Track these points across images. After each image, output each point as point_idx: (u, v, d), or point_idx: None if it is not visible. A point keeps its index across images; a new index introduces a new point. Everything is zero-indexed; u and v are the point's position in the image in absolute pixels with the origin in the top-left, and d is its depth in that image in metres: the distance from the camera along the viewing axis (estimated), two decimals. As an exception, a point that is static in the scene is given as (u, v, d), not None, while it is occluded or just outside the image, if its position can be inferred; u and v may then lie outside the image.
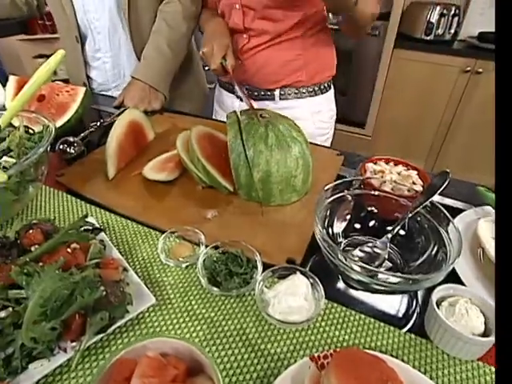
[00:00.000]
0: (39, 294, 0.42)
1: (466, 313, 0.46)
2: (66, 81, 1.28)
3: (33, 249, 0.51)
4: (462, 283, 0.55)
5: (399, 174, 0.72)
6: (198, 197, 0.75)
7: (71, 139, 0.89)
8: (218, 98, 1.33)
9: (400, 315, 0.54)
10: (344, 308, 0.53)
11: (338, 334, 0.50)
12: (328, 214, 0.61)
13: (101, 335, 0.46)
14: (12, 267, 0.46)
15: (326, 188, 0.59)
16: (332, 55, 1.16)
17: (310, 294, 0.51)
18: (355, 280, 0.49)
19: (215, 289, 0.53)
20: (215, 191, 0.76)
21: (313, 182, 0.76)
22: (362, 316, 0.52)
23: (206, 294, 0.54)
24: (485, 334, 0.45)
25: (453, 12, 2.28)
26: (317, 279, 0.52)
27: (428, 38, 2.34)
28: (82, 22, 1.23)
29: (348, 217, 0.64)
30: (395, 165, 0.75)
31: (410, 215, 0.57)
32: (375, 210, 0.64)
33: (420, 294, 0.57)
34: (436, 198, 0.57)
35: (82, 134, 0.93)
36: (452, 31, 2.36)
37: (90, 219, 0.63)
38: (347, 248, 0.61)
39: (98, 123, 1.00)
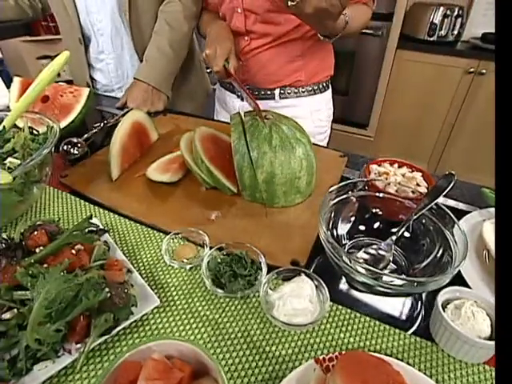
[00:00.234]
0: (44, 296, 0.42)
1: (472, 316, 0.46)
2: (69, 82, 1.28)
3: (37, 250, 0.51)
4: (467, 285, 0.54)
5: (403, 175, 0.72)
6: (202, 198, 0.75)
7: (75, 140, 0.89)
8: (220, 98, 1.34)
9: (405, 318, 0.54)
10: (349, 310, 0.53)
11: (343, 337, 0.49)
12: (332, 215, 0.60)
13: (105, 337, 0.46)
14: (17, 269, 0.46)
15: (330, 189, 0.59)
16: (330, 55, 1.17)
17: (314, 296, 0.51)
18: (360, 282, 0.49)
19: (219, 290, 0.53)
20: (219, 192, 0.76)
21: (317, 183, 0.76)
22: (367, 318, 0.52)
23: (210, 296, 0.54)
24: (491, 338, 0.45)
25: (456, 13, 2.28)
26: (321, 281, 0.52)
27: (431, 38, 2.33)
28: (84, 23, 1.23)
29: (352, 218, 0.64)
30: (399, 166, 0.75)
31: (415, 217, 0.57)
32: (380, 212, 0.64)
33: (424, 296, 0.56)
34: (440, 199, 0.57)
35: (86, 135, 0.93)
36: (455, 32, 2.36)
37: (94, 220, 0.63)
38: (352, 250, 0.61)
39: (102, 124, 1.00)
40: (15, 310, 0.44)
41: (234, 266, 0.55)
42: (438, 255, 0.54)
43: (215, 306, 0.53)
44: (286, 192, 0.71)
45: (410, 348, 0.48)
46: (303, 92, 1.14)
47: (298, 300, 0.49)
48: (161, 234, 0.65)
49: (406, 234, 0.60)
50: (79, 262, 0.51)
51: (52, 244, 0.51)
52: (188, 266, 0.58)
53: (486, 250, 0.60)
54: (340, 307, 0.53)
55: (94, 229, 0.60)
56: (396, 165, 0.75)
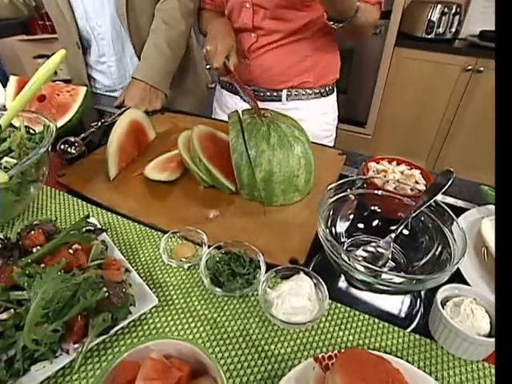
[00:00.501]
0: (41, 296, 0.42)
1: (471, 313, 0.46)
2: (67, 81, 1.27)
3: (34, 250, 0.51)
4: (466, 283, 0.54)
5: (402, 173, 0.72)
6: (200, 197, 0.75)
7: (72, 139, 0.89)
8: (219, 99, 1.31)
9: (404, 315, 0.54)
10: (348, 308, 0.52)
11: (342, 335, 0.49)
12: (331, 213, 0.60)
13: (103, 337, 0.46)
14: (14, 268, 0.46)
15: (328, 187, 0.59)
16: (337, 58, 1.16)
17: (313, 295, 0.50)
18: (359, 280, 0.49)
19: (218, 289, 0.52)
20: (217, 191, 0.76)
21: (315, 181, 0.76)
22: (366, 316, 0.52)
23: (208, 295, 0.54)
24: (490, 335, 0.45)
25: (454, 10, 2.28)
26: (320, 279, 0.52)
27: (429, 36, 2.33)
28: (84, 28, 1.23)
29: (351, 216, 0.64)
30: (398, 164, 0.75)
31: (414, 214, 0.57)
32: (378, 210, 0.63)
33: (423, 293, 0.56)
34: (439, 197, 0.57)
35: (83, 134, 0.92)
36: (453, 30, 2.35)
37: (91, 220, 0.62)
38: (350, 248, 0.61)
39: (99, 123, 1.00)
40: (12, 311, 0.44)
41: (233, 264, 0.55)
42: (437, 253, 0.54)
43: (214, 305, 0.53)
44: (284, 190, 0.71)
45: (410, 346, 0.48)
46: (310, 94, 1.13)
47: (296, 298, 0.49)
48: (159, 233, 0.65)
49: (405, 232, 0.59)
50: (77, 261, 0.50)
51: (49, 244, 0.51)
52: (186, 265, 0.58)
53: (485, 247, 0.60)
54: (339, 305, 0.53)
55: (92, 228, 0.60)
56: (394, 162, 0.75)
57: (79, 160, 0.86)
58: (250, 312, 0.52)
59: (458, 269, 0.55)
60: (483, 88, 2.24)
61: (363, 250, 0.58)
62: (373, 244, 0.59)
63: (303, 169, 0.70)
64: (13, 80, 0.99)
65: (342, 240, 0.62)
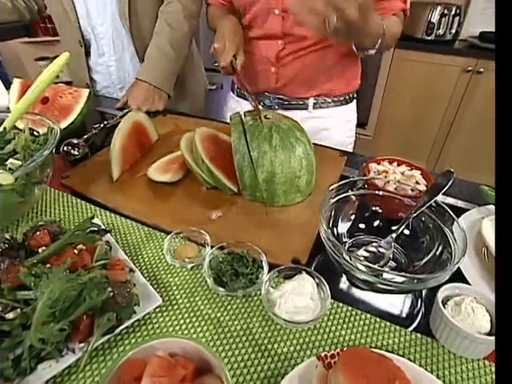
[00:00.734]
0: (48, 295, 0.42)
1: (472, 312, 0.46)
2: (68, 83, 1.29)
3: (40, 250, 0.51)
4: (467, 282, 0.55)
5: (403, 173, 0.72)
6: (203, 198, 0.76)
7: (75, 141, 0.89)
8: (235, 109, 1.21)
9: (405, 315, 0.54)
10: (350, 308, 0.53)
11: (344, 334, 0.50)
12: (333, 213, 0.61)
13: (108, 336, 0.46)
14: (20, 268, 0.46)
15: (330, 188, 0.59)
16: (359, 63, 1.13)
17: (315, 294, 0.51)
18: (360, 279, 0.49)
19: (221, 289, 0.53)
20: (219, 192, 0.76)
21: (316, 182, 0.77)
22: (368, 315, 0.52)
23: (212, 295, 0.55)
24: (491, 333, 0.46)
25: (453, 12, 2.29)
26: (322, 279, 0.52)
27: (429, 37, 2.34)
28: (84, 28, 1.24)
29: (352, 217, 0.65)
30: (398, 165, 0.76)
31: (415, 215, 0.57)
32: (379, 210, 0.64)
33: (424, 293, 0.57)
34: (439, 197, 0.57)
35: (86, 136, 0.93)
36: (453, 31, 2.37)
37: (95, 220, 0.63)
38: (352, 248, 0.61)
39: (101, 125, 1.01)
40: (19, 310, 0.44)
41: (236, 264, 0.56)
42: (438, 252, 0.54)
43: (217, 305, 0.53)
44: (286, 191, 0.71)
45: (411, 344, 0.49)
46: (336, 102, 1.11)
47: (299, 298, 0.49)
48: (162, 233, 0.66)
49: (406, 232, 0.60)
50: (81, 261, 0.51)
51: (55, 244, 0.52)
52: (190, 265, 0.59)
53: (485, 247, 0.60)
54: (341, 305, 0.53)
55: (96, 229, 0.60)
56: (395, 163, 0.76)
57: (82, 162, 0.87)
58: (253, 311, 0.52)
59: (459, 268, 0.56)
60: (483, 89, 2.25)
61: (365, 250, 0.58)
62: (374, 244, 0.59)
63: (305, 170, 0.71)
64: (16, 83, 1.00)
65: (344, 240, 0.62)
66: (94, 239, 0.56)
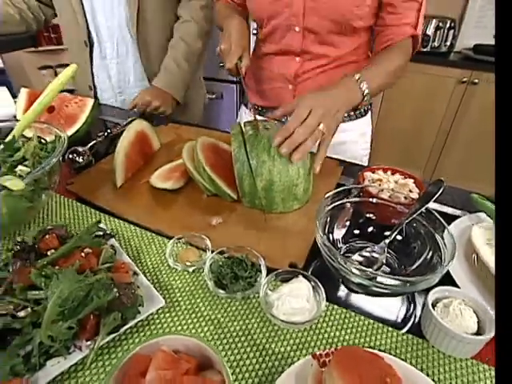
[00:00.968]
0: (58, 295, 0.45)
1: (459, 313, 0.49)
2: (71, 91, 1.32)
3: (49, 253, 0.54)
4: (456, 286, 0.57)
5: (396, 182, 0.75)
6: (203, 205, 0.78)
7: (80, 149, 0.92)
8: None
9: (398, 319, 0.56)
10: (344, 310, 0.55)
11: (338, 335, 0.52)
12: (328, 220, 0.63)
13: (113, 335, 0.48)
14: (31, 270, 0.49)
15: (326, 196, 0.62)
16: None
17: (311, 297, 0.53)
18: (355, 283, 0.52)
19: (221, 291, 0.55)
20: (220, 199, 0.79)
21: (313, 190, 0.79)
22: (362, 317, 0.54)
23: (212, 297, 0.57)
24: (478, 333, 0.48)
25: (448, 25, 2.35)
26: (318, 282, 0.55)
27: (424, 49, 2.40)
28: (90, 30, 1.28)
29: (347, 223, 0.67)
30: (392, 174, 0.78)
31: (407, 221, 0.60)
32: (373, 217, 0.67)
33: (417, 298, 0.59)
34: (432, 205, 0.60)
35: (90, 144, 0.96)
36: (448, 43, 2.43)
37: (100, 225, 0.65)
38: (347, 253, 0.64)
39: (105, 133, 1.03)
40: (29, 309, 0.47)
41: (235, 268, 0.58)
42: (429, 257, 0.57)
43: (217, 306, 0.55)
44: (284, 199, 0.74)
45: (403, 345, 0.51)
46: (352, 116, 1.11)
47: (295, 300, 0.52)
48: (164, 238, 0.68)
49: (399, 238, 0.62)
50: (88, 264, 0.53)
51: (63, 247, 0.54)
52: (191, 269, 0.61)
53: (475, 253, 0.62)
54: (336, 307, 0.56)
55: (101, 233, 0.63)
56: (389, 172, 0.79)
57: (87, 169, 0.90)
58: (251, 313, 0.55)
59: (449, 273, 0.58)
60: (478, 100, 2.29)
61: (359, 254, 0.61)
62: (368, 249, 0.62)
63: (302, 178, 0.74)
64: (24, 92, 1.03)
65: (339, 246, 0.65)
66: (99, 243, 0.58)
